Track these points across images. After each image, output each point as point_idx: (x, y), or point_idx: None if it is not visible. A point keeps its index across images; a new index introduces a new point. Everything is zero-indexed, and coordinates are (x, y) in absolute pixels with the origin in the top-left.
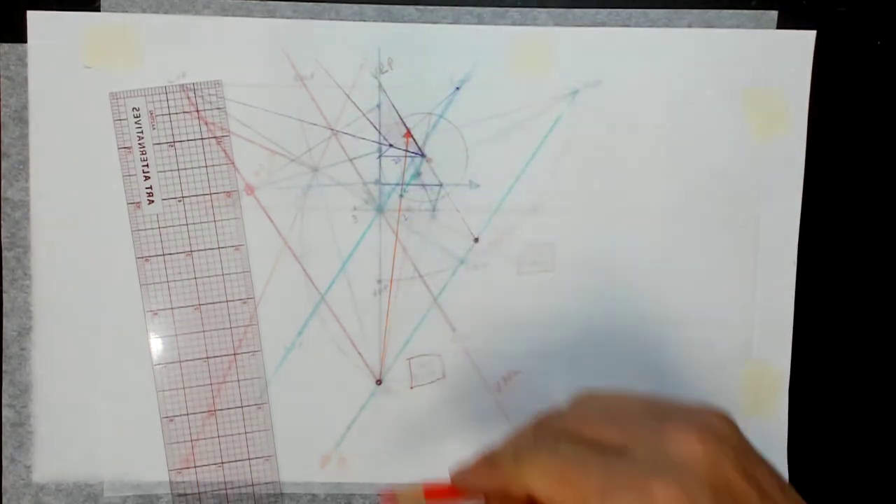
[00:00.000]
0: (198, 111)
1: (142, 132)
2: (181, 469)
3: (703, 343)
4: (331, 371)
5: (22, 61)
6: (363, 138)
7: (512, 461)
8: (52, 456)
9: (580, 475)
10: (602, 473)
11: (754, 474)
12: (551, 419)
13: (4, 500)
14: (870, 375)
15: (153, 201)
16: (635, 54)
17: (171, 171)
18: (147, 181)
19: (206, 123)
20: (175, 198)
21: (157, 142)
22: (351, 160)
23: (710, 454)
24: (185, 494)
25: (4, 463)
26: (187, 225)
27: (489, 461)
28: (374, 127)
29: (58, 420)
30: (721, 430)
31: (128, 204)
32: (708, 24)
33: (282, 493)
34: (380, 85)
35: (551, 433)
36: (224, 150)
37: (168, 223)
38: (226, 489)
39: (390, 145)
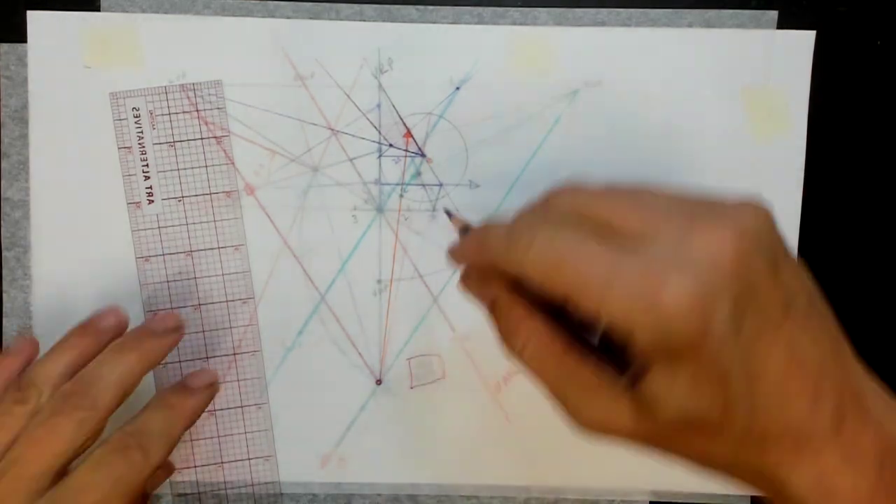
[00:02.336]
0: (198, 111)
1: (142, 132)
2: (181, 469)
3: None
4: (331, 371)
5: (22, 61)
6: (363, 138)
7: (505, 239)
8: None
9: (582, 261)
10: (608, 262)
11: (783, 279)
12: (564, 196)
13: None
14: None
15: (153, 201)
16: (635, 54)
17: (171, 170)
18: (147, 181)
19: (206, 123)
20: (175, 198)
21: (157, 142)
22: (351, 160)
23: (741, 255)
24: (185, 494)
25: None
26: (187, 225)
27: (482, 237)
28: (374, 127)
29: None
30: (758, 229)
31: (128, 204)
32: (708, 24)
33: (282, 494)
34: (380, 85)
35: (558, 213)
36: (224, 150)
37: (168, 223)
38: (226, 489)
39: (390, 145)
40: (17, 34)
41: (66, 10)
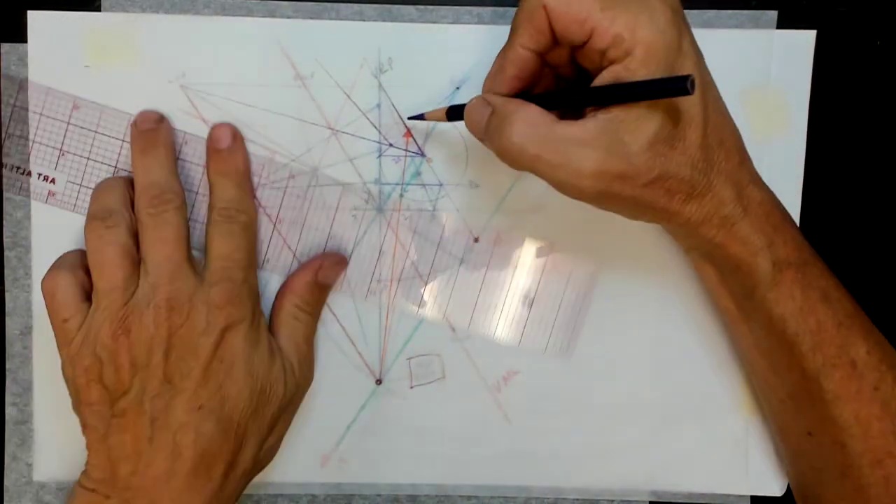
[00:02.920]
0: None
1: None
2: None
3: (704, 341)
4: (331, 371)
5: (22, 61)
6: (363, 138)
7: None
8: (53, 455)
9: None
10: None
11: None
12: None
13: (6, 498)
14: None
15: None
16: None
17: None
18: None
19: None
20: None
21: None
22: (351, 160)
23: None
24: None
25: (7, 461)
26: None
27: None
28: (374, 127)
29: (59, 419)
30: None
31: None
32: (708, 25)
33: (281, 494)
34: (380, 85)
35: None
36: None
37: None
38: None
39: (390, 145)
40: (17, 34)
41: (66, 10)
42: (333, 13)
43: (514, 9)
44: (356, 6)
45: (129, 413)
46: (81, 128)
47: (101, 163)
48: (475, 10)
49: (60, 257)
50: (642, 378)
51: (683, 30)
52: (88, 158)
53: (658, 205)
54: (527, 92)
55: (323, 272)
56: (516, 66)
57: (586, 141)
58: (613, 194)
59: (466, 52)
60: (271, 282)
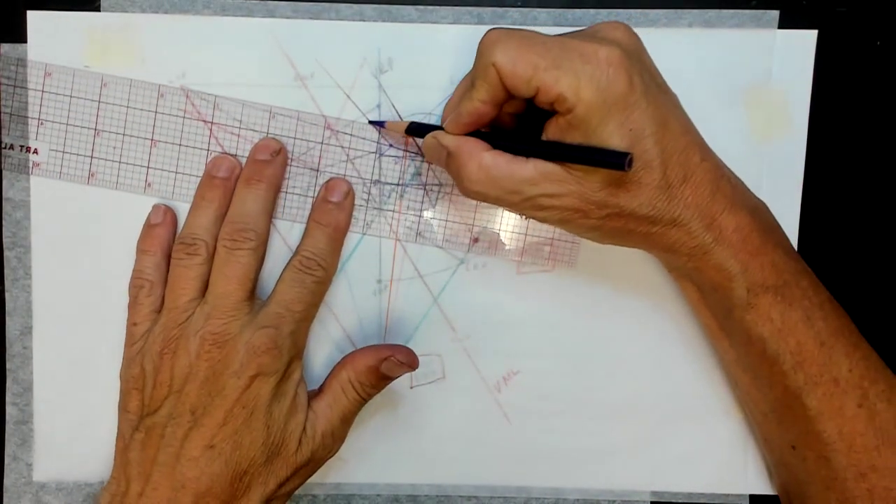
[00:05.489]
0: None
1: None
2: None
3: (703, 342)
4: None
5: (22, 61)
6: (363, 138)
7: (488, 47)
8: (53, 455)
9: (539, 47)
10: (558, 48)
11: (651, 64)
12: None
13: (6, 498)
14: None
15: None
16: None
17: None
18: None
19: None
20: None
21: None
22: (350, 160)
23: (634, 38)
24: None
25: (7, 461)
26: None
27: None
28: (375, 127)
29: (59, 419)
30: (633, 31)
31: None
32: (708, 24)
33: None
34: (380, 85)
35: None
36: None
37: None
38: None
39: (390, 145)
40: (17, 34)
41: (66, 10)
42: (333, 13)
43: (515, 9)
44: (356, 6)
45: (152, 433)
46: (56, 94)
47: (81, 126)
48: (475, 10)
49: (152, 264)
50: (642, 378)
51: (634, 77)
52: (67, 124)
53: (621, 232)
54: (480, 130)
55: (387, 364)
56: (473, 116)
57: (537, 180)
58: (575, 223)
59: (466, 53)
60: (268, 292)
